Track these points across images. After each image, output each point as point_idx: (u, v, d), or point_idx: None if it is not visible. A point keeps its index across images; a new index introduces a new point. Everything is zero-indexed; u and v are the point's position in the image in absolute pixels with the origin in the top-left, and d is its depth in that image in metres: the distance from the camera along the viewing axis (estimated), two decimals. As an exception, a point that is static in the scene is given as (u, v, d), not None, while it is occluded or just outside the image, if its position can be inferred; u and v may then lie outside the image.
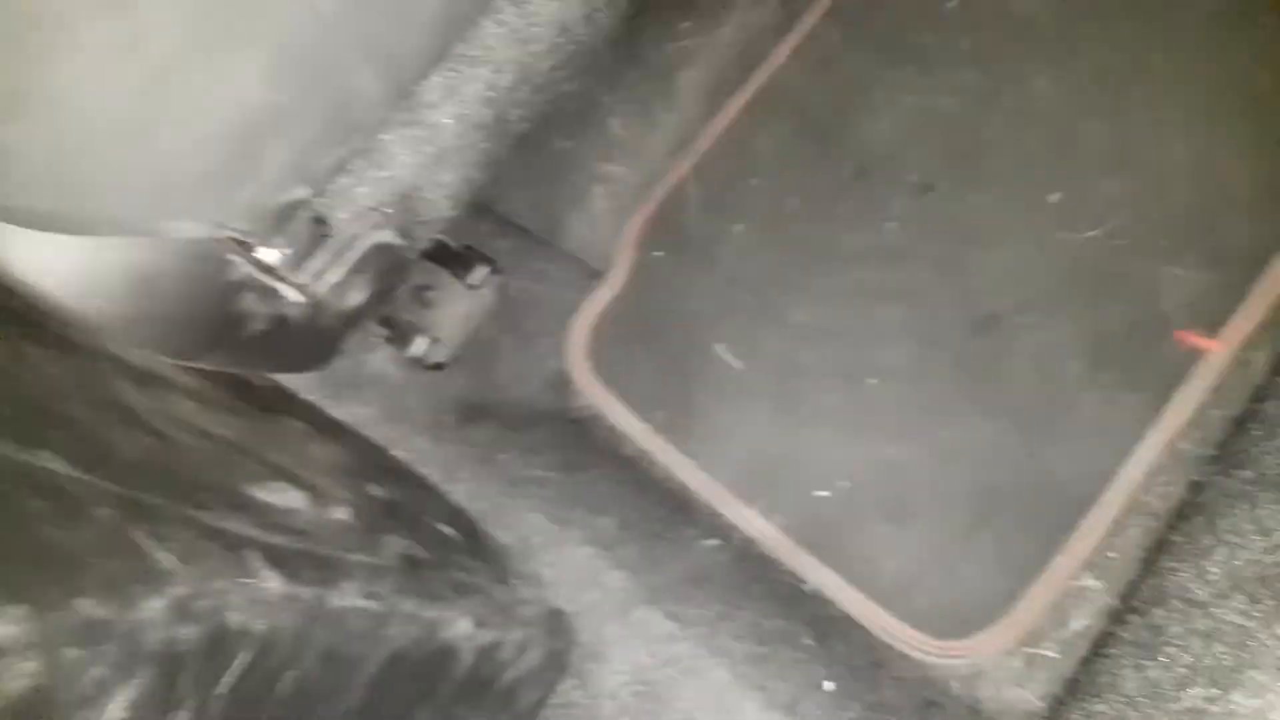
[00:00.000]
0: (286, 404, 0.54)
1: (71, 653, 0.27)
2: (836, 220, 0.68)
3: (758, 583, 0.61)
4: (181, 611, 0.31)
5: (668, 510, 0.63)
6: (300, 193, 0.47)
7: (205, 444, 0.42)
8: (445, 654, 0.43)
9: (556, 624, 0.52)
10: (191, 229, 0.43)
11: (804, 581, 0.61)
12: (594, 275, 0.72)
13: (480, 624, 0.45)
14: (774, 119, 0.73)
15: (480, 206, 0.70)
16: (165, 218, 0.42)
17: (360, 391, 0.62)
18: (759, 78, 0.75)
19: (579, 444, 0.66)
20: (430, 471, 0.56)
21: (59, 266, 0.40)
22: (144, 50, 0.37)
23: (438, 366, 0.64)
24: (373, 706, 0.41)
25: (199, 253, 0.44)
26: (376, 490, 0.50)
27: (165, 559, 0.32)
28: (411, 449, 0.58)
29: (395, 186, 0.51)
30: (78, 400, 0.36)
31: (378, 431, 0.57)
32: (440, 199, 0.55)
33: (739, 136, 0.73)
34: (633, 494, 0.63)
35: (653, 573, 0.57)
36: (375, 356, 0.63)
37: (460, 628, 0.44)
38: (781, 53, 0.75)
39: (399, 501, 0.51)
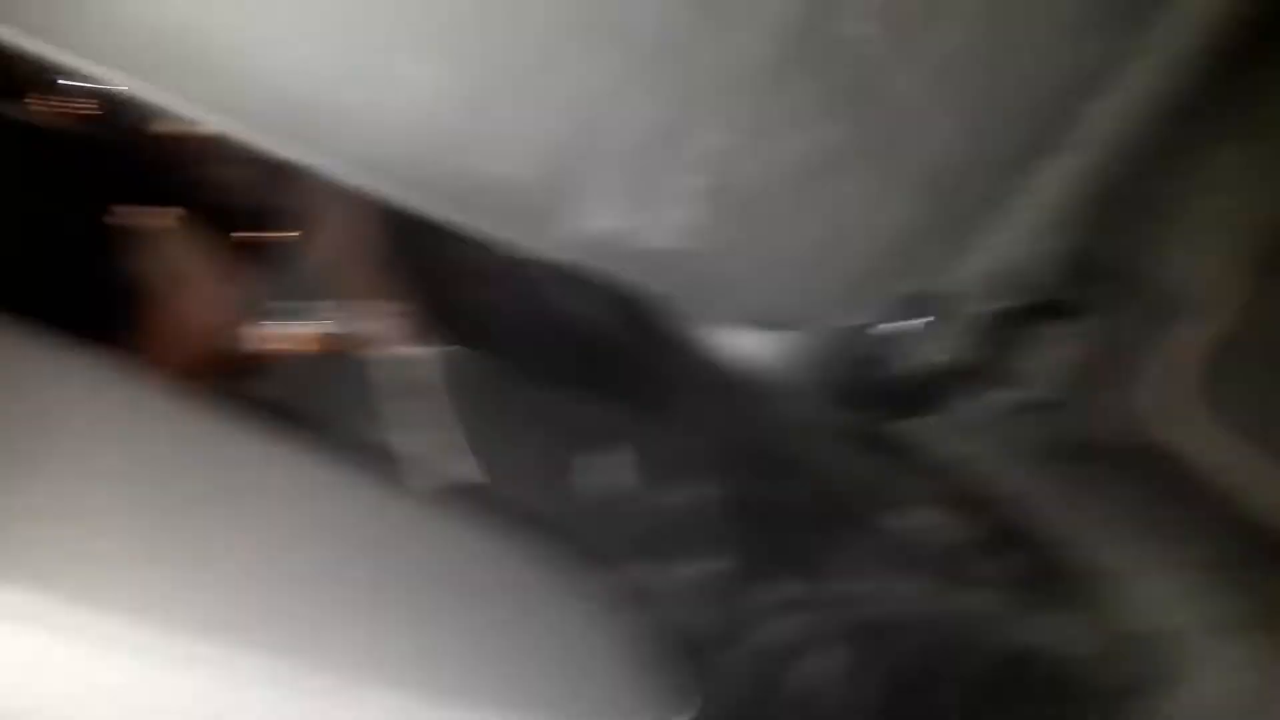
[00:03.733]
0: (909, 447, 0.66)
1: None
2: None
3: None
4: (873, 596, 0.48)
5: (1262, 548, 0.65)
6: (932, 281, 0.63)
7: (862, 480, 0.58)
8: (1048, 659, 0.54)
9: (1142, 645, 0.59)
10: (855, 319, 0.62)
11: None
12: (1196, 313, 0.74)
13: (1080, 634, 0.55)
14: None
15: (1077, 260, 0.74)
16: (839, 313, 0.61)
17: (967, 434, 0.70)
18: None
19: (1175, 477, 0.70)
20: (1035, 504, 0.64)
21: (768, 354, 0.60)
22: (837, 203, 0.57)
23: (1039, 407, 0.73)
24: (988, 702, 0.52)
25: (858, 334, 0.62)
26: (985, 517, 0.60)
27: (858, 555, 0.50)
28: (1017, 484, 0.66)
29: (1004, 262, 0.65)
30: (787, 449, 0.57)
31: (984, 468, 0.67)
32: (1043, 265, 0.67)
33: None
34: (1225, 530, 0.66)
35: (1241, 603, 0.61)
36: (980, 403, 0.71)
37: (1062, 635, 0.54)
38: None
39: (1005, 527, 0.61)
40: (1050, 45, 0.59)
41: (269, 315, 0.61)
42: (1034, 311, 0.72)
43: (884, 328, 0.63)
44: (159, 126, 0.59)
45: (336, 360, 0.56)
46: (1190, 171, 0.79)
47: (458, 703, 0.35)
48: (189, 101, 0.40)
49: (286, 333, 0.60)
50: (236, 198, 0.59)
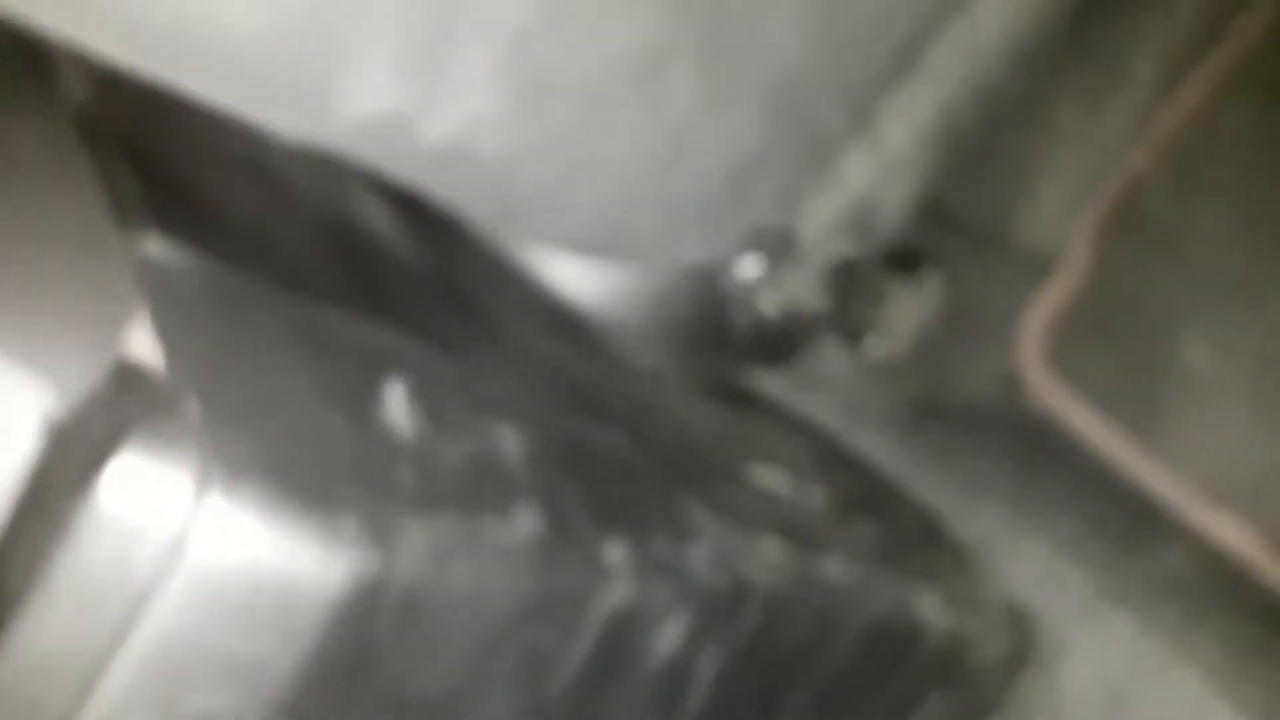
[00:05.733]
0: (755, 400, 0.61)
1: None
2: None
3: (1230, 590, 0.60)
4: (715, 561, 0.39)
5: (1130, 513, 0.63)
6: (776, 217, 0.58)
7: (704, 433, 0.51)
8: (914, 631, 0.49)
9: (1016, 617, 0.56)
10: (695, 253, 0.56)
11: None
12: (1044, 272, 0.72)
13: (947, 605, 0.50)
14: (1244, 98, 0.71)
15: (926, 209, 0.71)
16: (676, 245, 0.55)
17: (817, 390, 0.66)
18: (1224, 54, 0.72)
19: (1034, 445, 0.67)
20: (885, 467, 0.61)
21: (595, 287, 0.52)
22: (666, 112, 0.50)
23: (895, 364, 0.69)
24: (851, 676, 0.47)
25: (698, 272, 0.56)
26: (841, 480, 0.56)
27: (700, 516, 0.40)
28: (866, 445, 0.63)
29: (852, 203, 0.61)
30: (618, 395, 0.49)
31: (833, 427, 0.63)
32: (893, 210, 0.64)
33: (1204, 118, 0.71)
34: (1092, 497, 0.64)
35: (1115, 574, 0.59)
36: (829, 357, 0.67)
37: (929, 606, 0.49)
38: (1250, 24, 0.72)
39: (863, 491, 0.57)
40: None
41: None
42: (888, 260, 0.67)
43: (730, 266, 0.57)
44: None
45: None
46: (1039, 125, 0.75)
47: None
48: None
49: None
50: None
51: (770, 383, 0.63)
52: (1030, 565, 0.59)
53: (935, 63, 0.61)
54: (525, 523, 0.34)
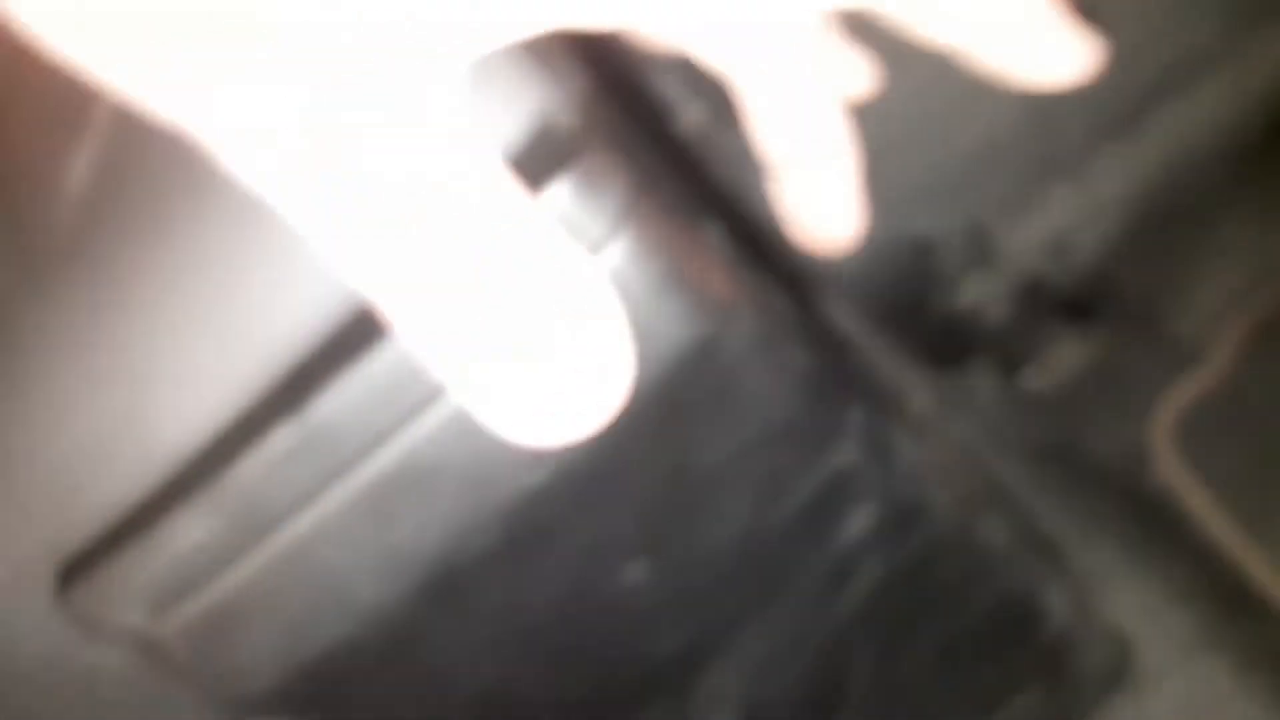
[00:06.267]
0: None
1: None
2: None
3: None
4: (910, 473, 0.45)
5: (1236, 589, 0.65)
6: (992, 218, 0.62)
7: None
8: (1036, 616, 0.53)
9: (1120, 639, 0.60)
10: (918, 226, 0.59)
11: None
12: (1191, 361, 0.75)
13: (1069, 603, 0.55)
14: None
15: (1103, 267, 0.74)
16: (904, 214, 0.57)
17: (959, 406, 0.69)
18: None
19: (1153, 510, 0.70)
20: (1023, 494, 0.63)
21: None
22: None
23: (1035, 399, 0.73)
24: (969, 641, 0.51)
25: (915, 243, 0.60)
26: (979, 490, 0.57)
27: (900, 433, 0.45)
28: (1009, 471, 0.65)
29: (1054, 230, 0.64)
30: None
31: (978, 446, 0.67)
32: (1086, 253, 0.67)
33: None
34: (1204, 564, 0.66)
35: (1216, 629, 0.62)
36: (981, 378, 0.70)
37: (1055, 597, 0.54)
38: None
39: (1000, 496, 0.59)
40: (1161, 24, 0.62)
41: None
42: (1069, 299, 0.71)
43: (942, 248, 0.60)
44: None
45: None
46: (1209, 225, 0.78)
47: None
48: None
49: None
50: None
51: (932, 387, 0.67)
52: (1136, 602, 0.62)
53: (1151, 129, 0.66)
54: (801, 356, 0.38)
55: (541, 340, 0.23)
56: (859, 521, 0.43)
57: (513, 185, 0.24)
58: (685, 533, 0.37)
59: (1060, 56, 0.39)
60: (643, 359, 0.31)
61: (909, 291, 0.61)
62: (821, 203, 0.39)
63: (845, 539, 0.42)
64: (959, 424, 0.69)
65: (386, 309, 0.24)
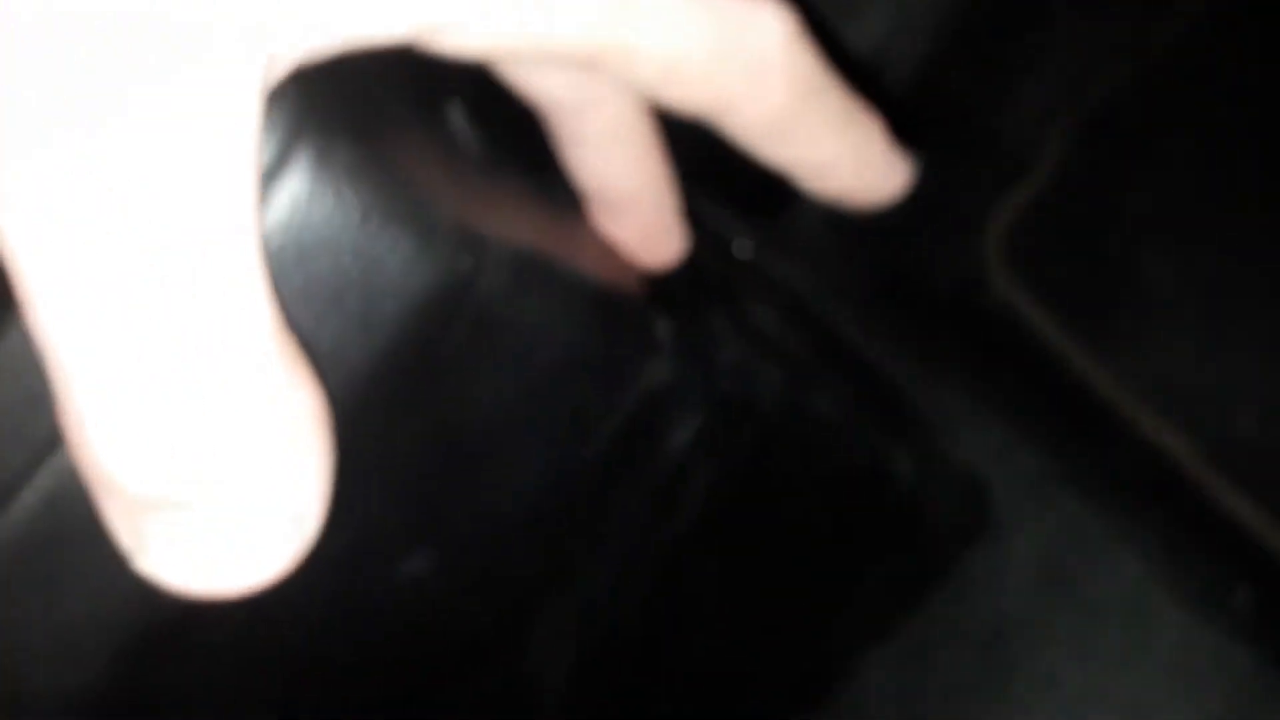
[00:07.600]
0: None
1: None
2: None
3: (1170, 490, 0.61)
4: (732, 370, 0.40)
5: (1081, 408, 0.64)
6: None
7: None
8: (883, 481, 0.49)
9: (974, 488, 0.57)
10: None
11: (1218, 502, 0.61)
12: (1018, 173, 0.71)
13: (916, 461, 0.52)
14: (1238, 20, 0.70)
15: (922, 83, 0.71)
16: None
17: (790, 253, 0.65)
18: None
19: (991, 335, 0.67)
20: (865, 337, 0.61)
21: None
22: None
23: (874, 235, 0.67)
24: (818, 520, 0.47)
25: None
26: (816, 336, 0.55)
27: (723, 324, 0.42)
28: (831, 310, 0.62)
29: (872, 48, 0.62)
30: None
31: (813, 290, 0.62)
32: (902, 72, 0.65)
33: (1196, 36, 0.71)
34: (1046, 387, 0.65)
35: (1065, 459, 0.60)
36: (811, 220, 0.66)
37: (900, 460, 0.50)
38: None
39: (836, 350, 0.57)
40: None
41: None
42: (891, 118, 0.66)
43: None
44: None
45: None
46: (1038, 21, 0.75)
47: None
48: None
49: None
50: None
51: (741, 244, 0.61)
52: (984, 443, 0.60)
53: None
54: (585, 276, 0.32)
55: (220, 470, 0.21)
56: (681, 435, 0.38)
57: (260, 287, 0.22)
58: (470, 502, 0.31)
59: (884, 183, 0.44)
60: (370, 317, 0.24)
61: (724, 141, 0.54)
62: (637, 233, 0.36)
63: (668, 456, 0.38)
64: (787, 275, 0.63)
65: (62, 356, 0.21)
